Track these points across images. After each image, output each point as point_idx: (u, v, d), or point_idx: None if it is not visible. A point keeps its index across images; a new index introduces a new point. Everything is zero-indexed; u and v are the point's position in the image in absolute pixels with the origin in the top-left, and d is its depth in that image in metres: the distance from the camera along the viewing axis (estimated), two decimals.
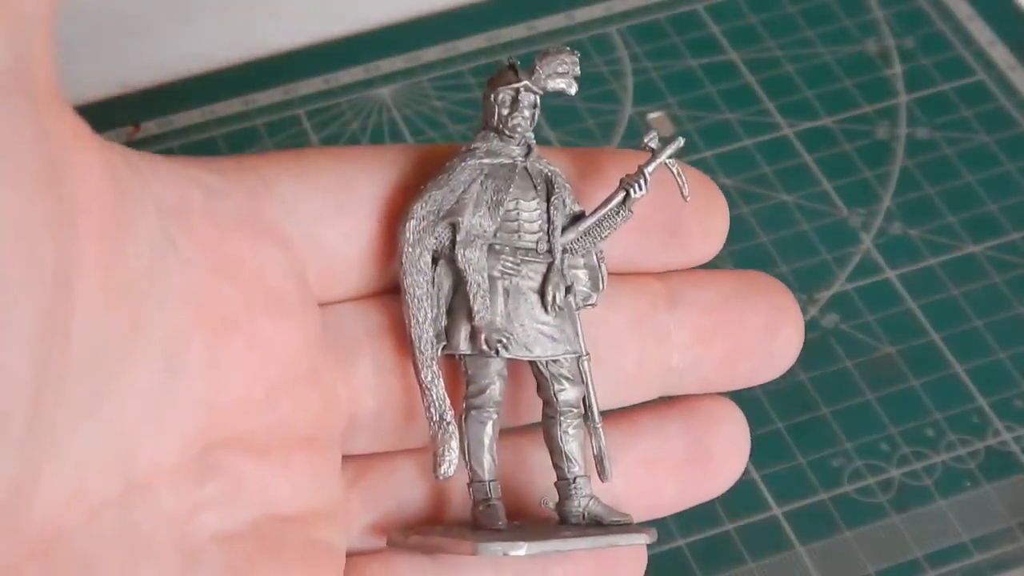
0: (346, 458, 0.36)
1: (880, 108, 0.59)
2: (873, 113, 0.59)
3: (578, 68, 0.37)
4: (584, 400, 0.37)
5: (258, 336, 0.34)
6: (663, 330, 0.38)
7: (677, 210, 0.38)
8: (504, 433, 0.37)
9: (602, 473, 0.37)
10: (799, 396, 0.51)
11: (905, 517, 0.49)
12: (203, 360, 0.32)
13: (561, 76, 0.37)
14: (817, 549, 0.48)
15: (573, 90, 0.37)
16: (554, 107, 0.58)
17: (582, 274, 0.37)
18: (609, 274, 0.38)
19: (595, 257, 0.37)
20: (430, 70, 0.60)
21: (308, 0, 0.62)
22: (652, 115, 0.59)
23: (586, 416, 0.37)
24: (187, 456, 0.32)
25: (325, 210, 0.36)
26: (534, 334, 0.36)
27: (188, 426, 0.32)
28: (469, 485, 0.36)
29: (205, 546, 0.33)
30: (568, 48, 0.37)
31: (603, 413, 0.37)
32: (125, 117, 0.58)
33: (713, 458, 0.39)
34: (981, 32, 0.61)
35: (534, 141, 0.37)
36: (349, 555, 0.36)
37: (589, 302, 0.37)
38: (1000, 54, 0.61)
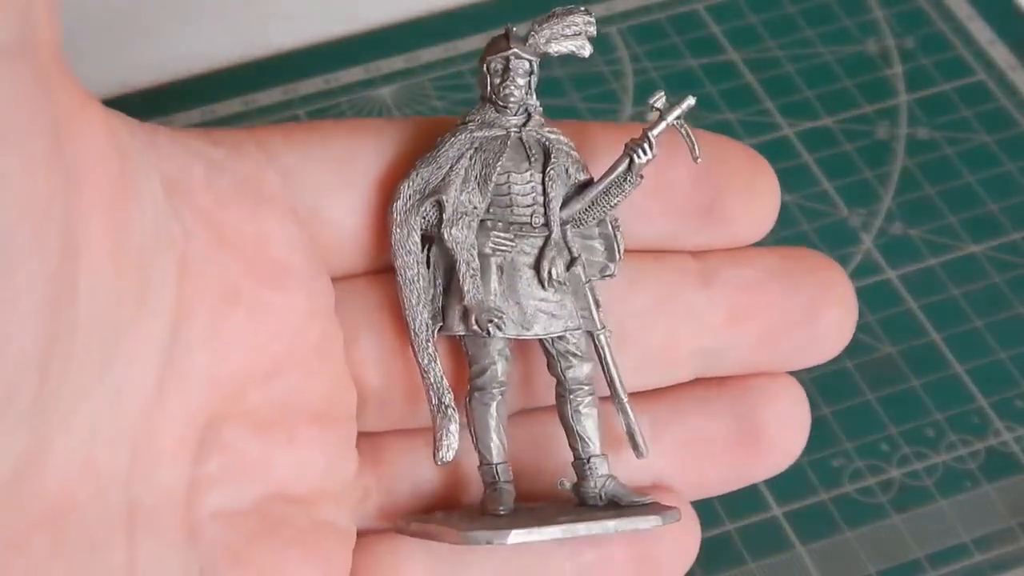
0: (361, 435, 0.36)
1: (880, 108, 0.59)
2: (873, 113, 0.59)
3: (593, 28, 0.35)
4: (604, 376, 0.36)
5: (261, 308, 0.33)
6: (692, 309, 0.37)
7: (718, 188, 0.36)
8: (525, 412, 0.36)
9: (636, 449, 0.36)
10: None
11: (905, 517, 0.48)
12: (206, 333, 0.32)
13: (570, 38, 0.35)
14: (817, 549, 0.48)
15: (587, 51, 0.35)
16: (554, 107, 0.58)
17: (597, 244, 0.36)
18: (642, 252, 0.36)
19: (610, 226, 0.36)
20: (430, 70, 0.60)
21: (308, 0, 0.62)
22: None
23: (612, 394, 0.36)
24: (190, 431, 0.32)
25: (329, 183, 0.35)
26: (532, 311, 0.35)
27: (191, 400, 0.32)
28: (479, 468, 0.36)
29: (206, 523, 0.33)
30: (582, 8, 0.35)
31: (637, 393, 0.36)
32: None
33: (766, 436, 0.37)
34: (981, 32, 0.61)
35: (539, 109, 0.35)
36: (361, 534, 0.36)
37: (607, 273, 0.36)
38: (1000, 54, 0.61)
